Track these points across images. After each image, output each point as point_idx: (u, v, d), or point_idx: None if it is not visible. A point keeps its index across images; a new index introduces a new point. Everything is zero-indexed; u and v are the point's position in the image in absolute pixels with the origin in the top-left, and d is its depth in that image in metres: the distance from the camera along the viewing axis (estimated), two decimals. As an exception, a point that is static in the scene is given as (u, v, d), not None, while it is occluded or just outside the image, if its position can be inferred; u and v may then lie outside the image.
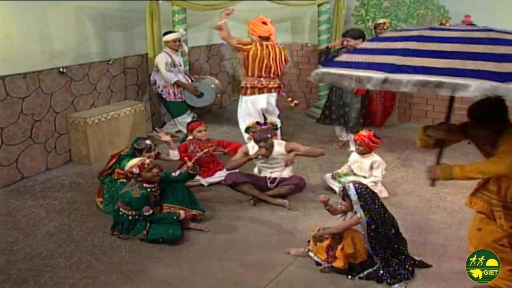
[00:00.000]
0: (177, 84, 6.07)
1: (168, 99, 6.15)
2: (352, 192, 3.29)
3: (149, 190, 3.90)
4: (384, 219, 3.30)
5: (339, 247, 3.35)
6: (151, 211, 3.87)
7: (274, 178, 4.52)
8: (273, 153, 4.50)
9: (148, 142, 4.46)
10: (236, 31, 7.62)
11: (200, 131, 4.99)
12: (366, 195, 3.28)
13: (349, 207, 3.36)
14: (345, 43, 5.55)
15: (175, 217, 3.87)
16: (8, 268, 3.48)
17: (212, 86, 6.26)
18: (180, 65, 6.16)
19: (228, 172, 4.61)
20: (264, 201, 4.50)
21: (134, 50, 6.39)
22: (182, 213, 3.92)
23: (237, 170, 4.55)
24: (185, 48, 6.38)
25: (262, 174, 4.62)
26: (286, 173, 4.61)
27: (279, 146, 4.54)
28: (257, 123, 4.60)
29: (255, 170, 4.72)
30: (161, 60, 5.96)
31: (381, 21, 6.46)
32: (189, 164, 4.06)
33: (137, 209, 3.85)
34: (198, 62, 7.43)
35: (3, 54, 4.77)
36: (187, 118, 6.21)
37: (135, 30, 6.41)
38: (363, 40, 5.39)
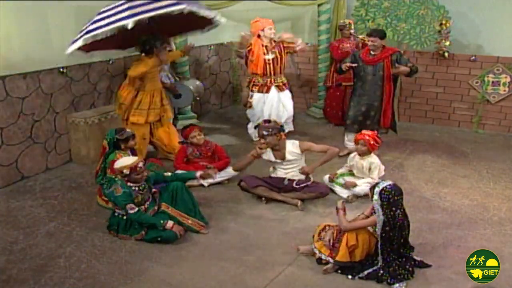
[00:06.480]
0: None
1: None
2: (376, 191, 3.29)
3: (133, 188, 3.83)
4: (400, 226, 3.30)
5: (344, 239, 3.37)
6: (136, 209, 3.78)
7: (294, 181, 4.50)
8: (286, 153, 4.47)
9: (128, 130, 4.42)
10: (235, 31, 7.61)
11: (194, 137, 4.98)
12: (390, 199, 3.26)
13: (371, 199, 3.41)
14: (370, 42, 5.48)
15: (161, 224, 3.77)
16: (8, 268, 3.49)
17: (191, 88, 6.21)
18: (165, 64, 6.12)
19: (244, 176, 4.64)
20: (276, 200, 4.47)
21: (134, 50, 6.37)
22: (169, 223, 3.80)
23: (251, 174, 4.66)
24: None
25: (277, 174, 4.60)
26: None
27: (291, 146, 4.49)
28: (264, 120, 4.63)
29: (270, 170, 4.69)
30: None
31: (347, 21, 6.64)
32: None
33: (122, 208, 3.77)
34: (198, 62, 7.42)
35: (3, 54, 4.76)
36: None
37: (135, 30, 6.38)
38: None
